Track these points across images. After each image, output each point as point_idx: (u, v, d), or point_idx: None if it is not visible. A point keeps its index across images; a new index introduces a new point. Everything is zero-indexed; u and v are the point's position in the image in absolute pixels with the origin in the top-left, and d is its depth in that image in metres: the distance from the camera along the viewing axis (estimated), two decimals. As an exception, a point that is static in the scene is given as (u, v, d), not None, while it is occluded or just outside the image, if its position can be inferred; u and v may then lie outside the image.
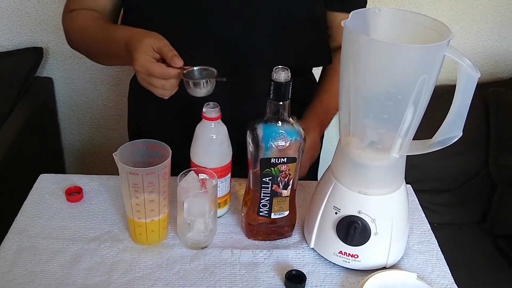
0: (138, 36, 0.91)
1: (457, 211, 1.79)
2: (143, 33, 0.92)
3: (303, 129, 0.86)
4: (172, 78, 0.88)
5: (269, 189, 0.87)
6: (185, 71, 0.88)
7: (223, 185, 0.95)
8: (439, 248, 0.95)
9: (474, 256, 1.65)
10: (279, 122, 0.84)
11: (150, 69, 0.87)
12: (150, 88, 0.90)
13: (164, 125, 1.11)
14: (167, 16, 1.00)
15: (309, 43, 1.07)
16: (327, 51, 1.11)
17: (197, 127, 0.92)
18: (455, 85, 0.76)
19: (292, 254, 0.92)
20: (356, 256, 0.87)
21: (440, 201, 1.77)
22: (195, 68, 0.90)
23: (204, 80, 0.88)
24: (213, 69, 0.90)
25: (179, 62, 0.87)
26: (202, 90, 0.89)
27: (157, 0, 1.00)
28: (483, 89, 1.70)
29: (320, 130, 1.13)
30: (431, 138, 0.82)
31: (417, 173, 1.67)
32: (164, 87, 0.89)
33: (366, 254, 0.87)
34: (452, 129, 0.79)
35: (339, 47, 0.90)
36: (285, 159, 0.85)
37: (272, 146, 0.84)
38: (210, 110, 0.89)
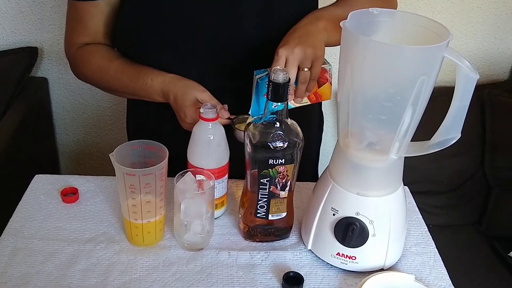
0: (180, 87, 0.97)
1: (453, 213, 1.79)
2: (184, 84, 0.98)
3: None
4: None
5: (267, 191, 0.87)
6: (234, 119, 0.97)
7: (220, 186, 0.94)
8: (436, 250, 0.95)
9: (470, 257, 1.66)
10: (277, 123, 0.84)
11: None
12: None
13: (164, 124, 1.11)
14: (158, 26, 0.99)
15: None
16: None
17: (194, 127, 0.91)
18: (452, 87, 0.76)
19: (289, 255, 0.91)
20: (353, 258, 0.86)
21: (436, 203, 1.77)
22: (241, 116, 0.98)
23: None
24: None
25: (227, 114, 0.96)
26: None
27: (147, 11, 0.99)
28: (478, 91, 1.69)
29: (325, 41, 0.95)
30: (428, 139, 0.82)
31: (413, 174, 1.67)
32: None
33: (364, 256, 0.86)
34: (450, 130, 0.79)
35: None
36: (283, 160, 0.84)
37: (270, 147, 0.83)
38: (208, 111, 0.88)
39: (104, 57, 1.06)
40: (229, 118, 0.96)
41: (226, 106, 0.97)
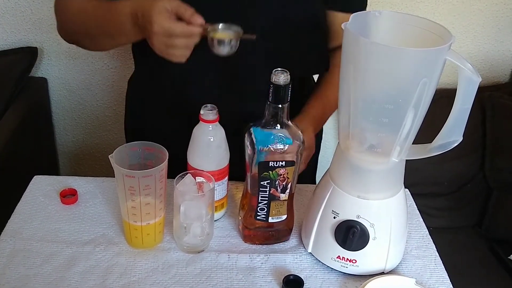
0: (148, 2, 0.88)
1: (453, 215, 1.79)
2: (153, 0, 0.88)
3: (301, 131, 0.85)
4: (194, 36, 0.85)
5: (267, 193, 0.87)
6: (208, 28, 0.85)
7: (220, 188, 0.94)
8: (437, 253, 0.95)
9: (470, 260, 1.65)
10: (278, 125, 0.83)
11: (172, 28, 0.84)
12: (169, 52, 0.88)
13: (163, 125, 1.10)
14: None
15: (308, 48, 1.06)
16: (325, 58, 1.10)
17: (194, 129, 0.91)
18: (453, 89, 0.75)
19: (289, 258, 0.91)
20: (354, 261, 0.86)
21: (436, 205, 1.76)
22: (219, 25, 0.87)
23: (229, 39, 0.86)
24: (238, 27, 0.88)
25: (200, 20, 0.85)
26: (226, 48, 0.87)
27: None
28: (479, 93, 1.67)
29: (316, 128, 1.10)
30: (428, 142, 0.81)
31: (413, 177, 1.66)
32: (188, 46, 0.86)
33: (365, 259, 0.86)
34: (452, 133, 0.78)
35: (339, 47, 0.88)
36: (284, 162, 0.84)
37: (270, 149, 0.83)
38: (208, 113, 0.88)
39: (87, 0, 1.01)
40: (203, 26, 0.87)
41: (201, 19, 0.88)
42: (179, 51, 0.88)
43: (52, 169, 1.92)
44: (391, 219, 0.84)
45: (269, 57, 0.99)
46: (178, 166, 0.91)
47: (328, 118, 1.16)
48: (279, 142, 0.82)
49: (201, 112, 0.88)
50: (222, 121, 0.91)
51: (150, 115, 1.14)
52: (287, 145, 0.83)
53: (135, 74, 1.19)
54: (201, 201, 0.86)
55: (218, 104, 0.90)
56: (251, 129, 0.84)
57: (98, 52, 1.76)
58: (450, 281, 0.89)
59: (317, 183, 0.92)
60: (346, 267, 0.87)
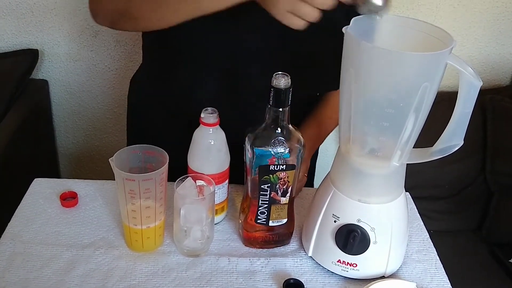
0: None
1: (454, 219, 1.78)
2: None
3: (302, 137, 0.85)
4: None
5: (267, 197, 0.86)
6: None
7: (221, 192, 0.94)
8: (438, 257, 0.94)
9: (470, 263, 1.65)
10: (278, 128, 0.83)
11: None
12: (296, 9, 0.74)
13: (162, 126, 1.10)
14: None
15: (314, 59, 1.05)
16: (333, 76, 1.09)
17: (195, 132, 0.91)
18: (454, 92, 0.75)
19: (290, 262, 0.90)
20: (355, 265, 0.86)
21: (437, 208, 1.76)
22: None
23: None
24: None
25: None
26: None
27: None
28: (480, 96, 1.68)
29: (311, 147, 1.11)
30: (428, 145, 0.81)
31: (414, 180, 1.66)
32: (324, 4, 0.73)
33: (365, 263, 0.86)
34: (453, 137, 0.78)
35: None
36: (284, 166, 0.84)
37: (271, 153, 0.83)
38: (209, 116, 0.88)
39: None
40: None
41: None
42: (310, 10, 0.74)
43: (53, 172, 1.92)
44: (392, 223, 0.84)
45: (271, 61, 0.98)
46: (179, 169, 0.91)
47: (325, 137, 1.16)
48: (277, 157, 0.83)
49: (202, 115, 0.88)
50: (223, 124, 0.91)
51: (150, 116, 1.14)
52: (287, 149, 0.83)
53: (141, 74, 1.18)
54: (201, 205, 0.86)
55: (219, 107, 0.90)
56: (255, 132, 0.84)
57: (99, 54, 1.76)
58: (451, 285, 0.89)
59: (315, 186, 0.92)
60: (347, 271, 0.87)
